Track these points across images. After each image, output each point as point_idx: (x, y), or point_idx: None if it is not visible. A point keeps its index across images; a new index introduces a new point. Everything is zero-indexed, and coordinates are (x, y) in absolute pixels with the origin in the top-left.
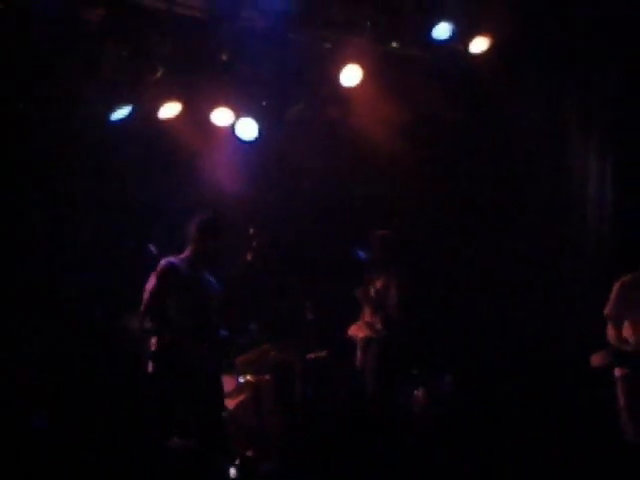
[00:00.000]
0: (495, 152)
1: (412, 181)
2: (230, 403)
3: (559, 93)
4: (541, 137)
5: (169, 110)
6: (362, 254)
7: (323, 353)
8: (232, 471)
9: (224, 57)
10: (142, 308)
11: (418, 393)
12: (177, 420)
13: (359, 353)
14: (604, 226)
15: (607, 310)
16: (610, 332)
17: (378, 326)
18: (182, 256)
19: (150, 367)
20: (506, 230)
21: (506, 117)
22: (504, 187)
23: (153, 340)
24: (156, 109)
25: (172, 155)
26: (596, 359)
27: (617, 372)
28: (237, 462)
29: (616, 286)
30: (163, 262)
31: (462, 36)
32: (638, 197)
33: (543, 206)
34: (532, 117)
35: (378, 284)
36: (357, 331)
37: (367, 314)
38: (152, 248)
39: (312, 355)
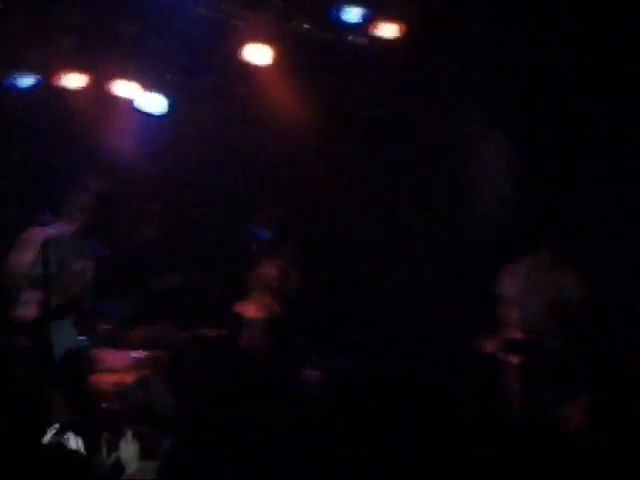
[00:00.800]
0: (401, 138)
1: (317, 163)
2: (123, 379)
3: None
4: (445, 124)
5: (75, 80)
6: (263, 233)
7: (220, 332)
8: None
9: (132, 30)
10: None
11: (313, 375)
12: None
13: (251, 333)
14: (506, 212)
15: (503, 290)
16: (505, 314)
17: (275, 308)
18: (64, 225)
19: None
20: (409, 215)
21: (412, 104)
22: (409, 172)
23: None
24: (62, 79)
25: (76, 126)
26: (489, 345)
27: (512, 359)
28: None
29: (514, 267)
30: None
31: (372, 20)
32: (540, 183)
33: (447, 191)
34: (434, 104)
35: (274, 267)
36: (250, 311)
37: (259, 295)
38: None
39: (208, 333)
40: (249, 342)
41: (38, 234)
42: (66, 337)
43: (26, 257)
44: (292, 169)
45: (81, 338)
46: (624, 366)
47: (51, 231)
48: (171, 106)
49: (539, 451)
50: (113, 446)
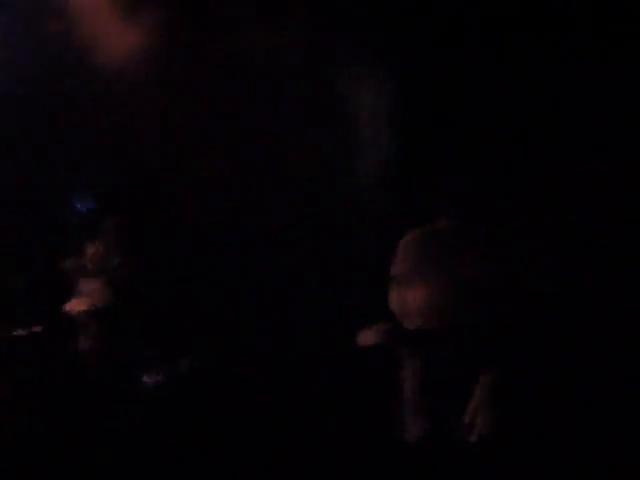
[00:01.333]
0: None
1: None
2: None
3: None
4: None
5: None
6: (83, 206)
7: (36, 329)
8: None
9: None
10: None
11: (150, 380)
12: None
13: (80, 331)
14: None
15: (393, 270)
16: (395, 298)
17: (102, 295)
18: None
19: None
20: (267, 180)
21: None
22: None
23: None
24: None
25: None
26: (368, 336)
27: (406, 354)
28: None
29: (405, 242)
30: None
31: None
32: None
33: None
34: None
35: (94, 248)
36: (75, 305)
37: (85, 285)
38: None
39: (21, 331)
40: (72, 341)
41: None
42: None
43: None
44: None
45: None
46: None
47: None
48: None
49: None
50: None
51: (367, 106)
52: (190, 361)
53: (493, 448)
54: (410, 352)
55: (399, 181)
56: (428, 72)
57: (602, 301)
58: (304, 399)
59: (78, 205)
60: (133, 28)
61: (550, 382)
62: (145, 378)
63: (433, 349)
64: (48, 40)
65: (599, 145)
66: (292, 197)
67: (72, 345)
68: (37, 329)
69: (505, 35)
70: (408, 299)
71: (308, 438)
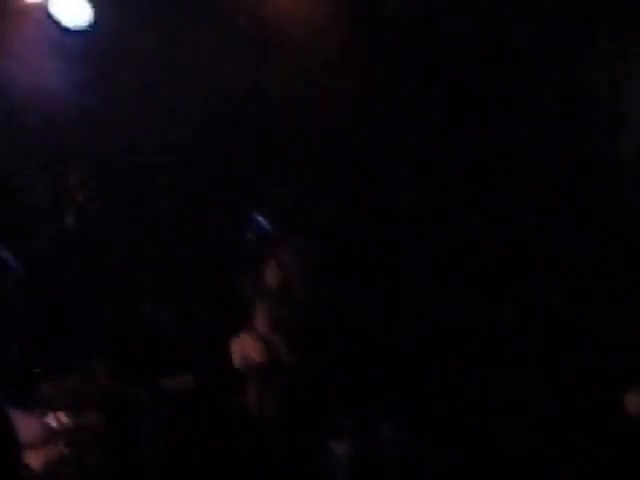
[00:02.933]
0: None
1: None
2: (34, 459)
3: None
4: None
5: None
6: (264, 224)
7: (187, 380)
8: None
9: None
10: None
11: (342, 450)
12: None
13: (252, 386)
14: None
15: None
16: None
17: (280, 346)
18: None
19: None
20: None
21: None
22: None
23: None
24: None
25: None
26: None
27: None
28: None
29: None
30: None
31: None
32: None
33: None
34: None
35: (273, 276)
36: (248, 350)
37: (261, 321)
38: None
39: (168, 382)
40: (252, 400)
41: None
42: None
43: None
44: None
45: None
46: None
47: None
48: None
49: None
50: None
51: None
52: (389, 430)
53: None
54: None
55: None
56: None
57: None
58: None
59: (259, 226)
60: None
61: None
62: (334, 447)
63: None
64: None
65: None
66: None
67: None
68: (186, 380)
69: None
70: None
71: None
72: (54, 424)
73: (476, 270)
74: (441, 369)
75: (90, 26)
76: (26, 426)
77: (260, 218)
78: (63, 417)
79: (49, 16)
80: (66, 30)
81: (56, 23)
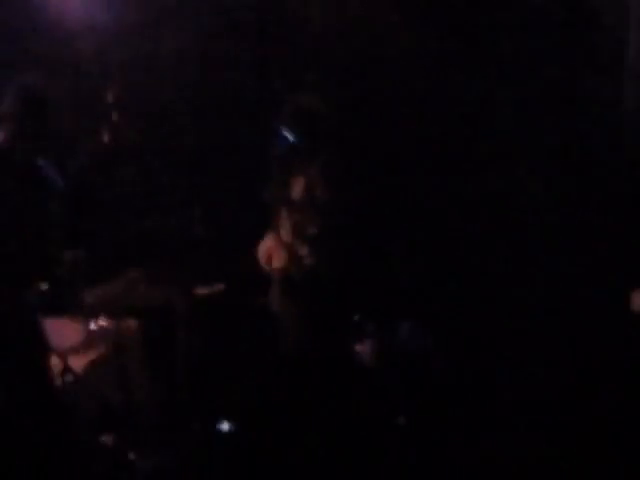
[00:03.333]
0: None
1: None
2: (76, 362)
3: None
4: None
5: None
6: (288, 136)
7: (219, 287)
8: None
9: None
10: None
11: (362, 348)
12: None
13: (275, 290)
14: None
15: None
16: None
17: (302, 251)
18: None
19: None
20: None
21: None
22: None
23: None
24: None
25: None
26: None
27: None
28: None
29: None
30: None
31: None
32: None
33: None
34: None
35: (297, 187)
36: (272, 257)
37: (285, 229)
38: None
39: (203, 290)
40: (267, 304)
41: None
42: None
43: None
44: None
45: None
46: None
47: None
48: None
49: None
50: None
51: None
52: (409, 330)
53: None
54: None
55: None
56: None
57: None
58: None
59: (286, 136)
60: None
61: None
62: (356, 347)
63: None
64: None
65: None
66: None
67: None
68: (218, 288)
69: None
70: None
71: None
72: (96, 329)
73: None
74: (453, 276)
75: None
76: (69, 331)
77: (287, 132)
78: (104, 323)
79: None
80: None
81: None
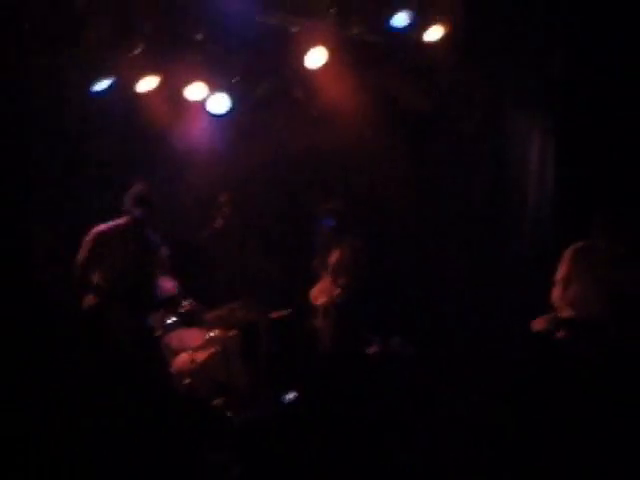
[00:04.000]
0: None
1: (372, 163)
2: (199, 356)
3: (505, 76)
4: (485, 121)
5: (146, 84)
6: (331, 222)
7: (287, 312)
8: None
9: (199, 37)
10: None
11: (371, 351)
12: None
13: (319, 318)
14: (545, 208)
15: (557, 275)
16: (555, 294)
17: (336, 292)
18: (116, 223)
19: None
20: (452, 212)
21: (452, 102)
22: (452, 167)
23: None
24: (134, 82)
25: (147, 127)
26: (538, 323)
27: (559, 336)
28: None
29: (568, 251)
30: (93, 230)
31: (419, 24)
32: (578, 179)
33: (488, 188)
34: (477, 102)
35: (335, 254)
36: (317, 296)
37: (325, 281)
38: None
39: (277, 313)
40: (314, 324)
41: (92, 231)
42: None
43: (81, 253)
44: (350, 162)
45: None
46: None
47: (103, 227)
48: (234, 106)
49: None
50: None
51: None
52: (397, 341)
53: None
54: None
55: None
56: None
57: None
58: None
59: (325, 222)
60: None
61: None
62: (367, 350)
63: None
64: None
65: None
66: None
67: (312, 325)
68: (285, 313)
69: None
70: (565, 294)
71: None
72: (212, 336)
73: None
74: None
75: (227, 111)
76: (194, 336)
77: (330, 220)
78: (217, 332)
79: (204, 108)
80: (213, 115)
81: (208, 112)
